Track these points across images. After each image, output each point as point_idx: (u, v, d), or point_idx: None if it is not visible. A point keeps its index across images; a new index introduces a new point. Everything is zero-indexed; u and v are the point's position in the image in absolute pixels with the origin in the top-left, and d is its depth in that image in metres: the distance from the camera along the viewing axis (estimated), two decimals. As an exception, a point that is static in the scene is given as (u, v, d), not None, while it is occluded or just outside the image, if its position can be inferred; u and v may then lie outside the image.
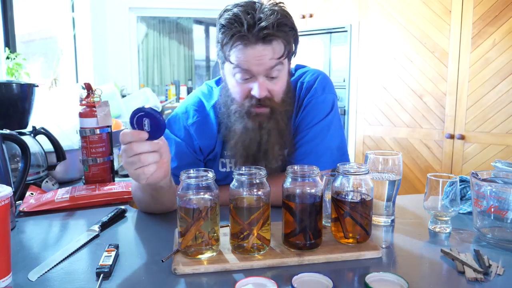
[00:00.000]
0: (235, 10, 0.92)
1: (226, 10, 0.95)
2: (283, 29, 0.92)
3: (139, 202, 0.99)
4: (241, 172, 0.73)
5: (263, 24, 0.89)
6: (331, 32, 2.96)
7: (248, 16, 0.89)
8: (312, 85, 1.07)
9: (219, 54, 0.99)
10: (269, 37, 0.90)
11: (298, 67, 1.17)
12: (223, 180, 1.06)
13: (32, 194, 1.10)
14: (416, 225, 0.90)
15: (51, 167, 1.30)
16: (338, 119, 1.10)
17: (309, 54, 3.08)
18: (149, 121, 0.74)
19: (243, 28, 0.89)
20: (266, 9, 0.92)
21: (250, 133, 0.99)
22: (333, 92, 1.09)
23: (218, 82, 1.15)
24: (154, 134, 0.75)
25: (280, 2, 0.96)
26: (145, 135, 0.75)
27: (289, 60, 1.01)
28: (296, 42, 0.98)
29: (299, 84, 1.09)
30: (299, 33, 1.00)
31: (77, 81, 3.33)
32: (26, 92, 1.37)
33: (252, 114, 0.98)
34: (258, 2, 0.95)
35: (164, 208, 0.97)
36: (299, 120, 1.07)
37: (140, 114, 0.75)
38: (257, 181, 0.72)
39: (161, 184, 0.85)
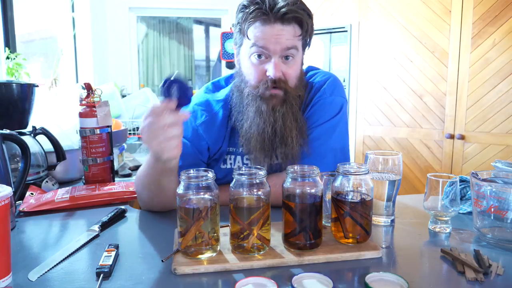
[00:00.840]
0: None
1: None
2: (301, 13, 0.95)
3: (142, 193, 0.97)
4: (241, 172, 0.73)
5: (282, 3, 0.92)
6: (331, 32, 2.97)
7: None
8: (321, 86, 1.08)
9: (237, 36, 1.01)
10: (288, 15, 0.93)
11: (310, 68, 1.17)
12: (223, 178, 1.06)
13: (32, 194, 1.10)
14: (416, 225, 0.90)
15: (51, 167, 1.30)
16: (345, 124, 1.09)
17: (309, 54, 3.08)
18: (177, 88, 0.78)
19: (264, 5, 0.92)
20: None
21: (264, 116, 0.99)
22: (342, 96, 1.09)
23: (227, 81, 1.16)
24: (181, 102, 0.79)
25: None
26: (173, 104, 0.78)
27: (303, 49, 1.03)
28: (311, 31, 1.00)
29: (309, 84, 1.09)
30: None
31: (77, 81, 3.33)
32: (26, 92, 1.37)
33: (266, 96, 0.98)
34: None
35: (166, 201, 0.95)
36: (305, 118, 1.06)
37: (169, 82, 0.78)
38: (257, 181, 0.72)
39: (173, 165, 0.86)
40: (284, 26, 0.94)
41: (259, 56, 0.97)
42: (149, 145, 0.80)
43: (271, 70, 0.96)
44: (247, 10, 0.95)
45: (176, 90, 0.78)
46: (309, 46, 1.04)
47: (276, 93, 0.98)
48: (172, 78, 0.78)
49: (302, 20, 0.95)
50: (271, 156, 1.02)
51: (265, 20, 0.93)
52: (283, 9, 0.92)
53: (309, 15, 0.98)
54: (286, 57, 0.97)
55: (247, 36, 0.96)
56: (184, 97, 0.79)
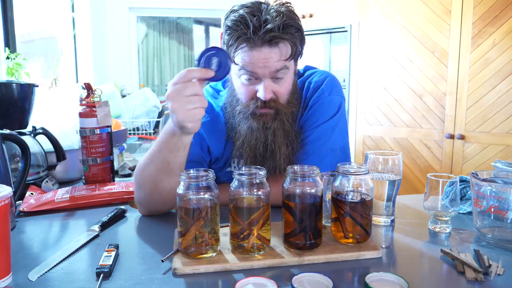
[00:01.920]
0: (241, 11, 0.91)
1: (232, 11, 0.94)
2: (289, 31, 0.91)
3: (146, 181, 0.92)
4: (241, 172, 0.73)
5: (269, 26, 0.88)
6: (331, 32, 2.96)
7: (254, 19, 0.89)
8: (319, 86, 1.07)
9: None
10: (275, 39, 0.89)
11: (308, 68, 1.16)
12: (228, 181, 1.05)
13: (32, 194, 1.10)
14: (416, 225, 0.90)
15: (51, 167, 1.30)
16: (344, 122, 1.09)
17: (309, 54, 3.08)
18: (217, 61, 0.78)
19: (249, 30, 0.88)
20: (272, 11, 0.91)
21: (255, 133, 0.99)
22: (340, 95, 1.09)
23: (224, 84, 1.15)
24: (219, 74, 0.79)
25: (287, 2, 0.95)
26: (212, 73, 0.78)
27: (295, 61, 1.01)
28: (302, 43, 0.97)
29: (307, 84, 1.09)
30: None
31: (77, 81, 3.33)
32: (26, 92, 1.37)
33: (256, 114, 0.98)
34: (264, 3, 0.94)
35: (168, 192, 0.90)
36: (304, 119, 1.06)
37: (210, 52, 0.78)
38: (257, 181, 0.72)
39: (187, 142, 0.87)
40: (272, 49, 0.90)
41: (249, 77, 0.95)
42: (176, 111, 0.79)
43: (261, 93, 0.94)
44: (233, 33, 0.90)
45: (217, 63, 0.77)
46: (301, 55, 1.01)
47: (267, 111, 0.98)
48: (213, 51, 0.77)
49: (290, 39, 0.91)
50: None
51: (251, 46, 0.90)
52: (270, 34, 0.88)
53: (298, 28, 0.94)
54: (277, 77, 0.96)
55: (234, 61, 0.93)
56: (221, 73, 0.78)
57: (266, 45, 0.90)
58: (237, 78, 0.98)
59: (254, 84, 0.96)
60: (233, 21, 0.91)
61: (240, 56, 0.92)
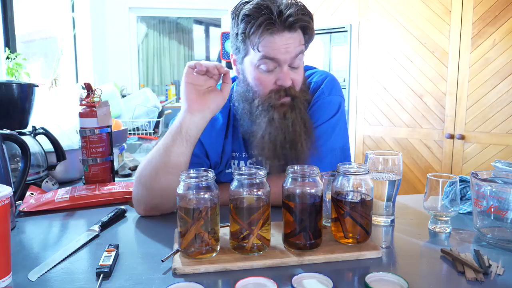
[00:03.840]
0: (258, 0, 0.93)
1: (245, 3, 0.95)
2: (306, 19, 0.95)
3: (145, 174, 0.92)
4: (241, 172, 0.73)
5: (289, 12, 0.91)
6: (331, 32, 2.97)
7: (275, 5, 0.92)
8: (319, 86, 1.08)
9: (240, 46, 0.98)
10: (295, 24, 0.92)
11: (307, 68, 1.17)
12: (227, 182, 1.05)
13: (32, 194, 1.10)
14: (416, 225, 0.90)
15: (51, 167, 1.30)
16: (344, 122, 1.09)
17: (309, 54, 3.08)
18: None
19: (273, 15, 0.91)
20: (285, 1, 0.94)
21: (276, 124, 0.99)
22: (340, 95, 1.09)
23: None
24: None
25: None
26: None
27: (305, 50, 1.02)
28: (313, 33, 1.00)
29: (306, 84, 1.09)
30: None
31: (77, 81, 3.33)
32: (26, 92, 1.37)
33: (276, 105, 0.98)
34: None
35: (165, 190, 0.90)
36: None
37: None
38: (257, 181, 0.72)
39: (190, 126, 0.90)
40: (291, 34, 0.93)
41: (268, 66, 0.96)
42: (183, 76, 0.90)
43: (283, 80, 0.96)
44: (253, 21, 0.92)
45: None
46: (307, 48, 1.03)
47: (286, 100, 0.98)
48: None
49: (307, 26, 0.95)
50: (279, 159, 1.01)
51: (273, 31, 0.92)
52: (291, 18, 0.91)
53: (312, 19, 0.98)
54: (293, 65, 0.97)
55: (257, 49, 0.94)
56: None
57: (286, 30, 0.93)
58: (253, 70, 0.98)
59: (272, 74, 0.97)
60: (251, 10, 0.93)
61: (262, 43, 0.93)
